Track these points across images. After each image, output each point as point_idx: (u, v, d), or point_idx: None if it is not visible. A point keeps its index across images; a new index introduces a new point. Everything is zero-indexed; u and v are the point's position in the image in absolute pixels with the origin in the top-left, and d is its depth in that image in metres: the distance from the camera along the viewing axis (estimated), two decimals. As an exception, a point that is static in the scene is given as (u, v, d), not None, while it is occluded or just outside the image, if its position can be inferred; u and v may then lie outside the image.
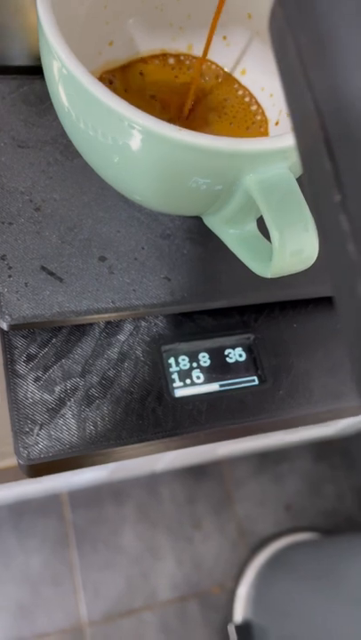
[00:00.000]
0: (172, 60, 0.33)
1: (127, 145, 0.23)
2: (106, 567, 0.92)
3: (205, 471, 1.02)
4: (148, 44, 0.32)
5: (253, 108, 0.32)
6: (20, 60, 0.31)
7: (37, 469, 0.27)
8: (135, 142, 0.22)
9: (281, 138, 0.22)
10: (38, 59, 0.26)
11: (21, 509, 0.93)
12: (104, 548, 0.93)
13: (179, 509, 0.99)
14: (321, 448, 1.09)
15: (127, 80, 0.32)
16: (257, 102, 0.32)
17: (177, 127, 0.21)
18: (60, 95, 0.24)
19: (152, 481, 1.00)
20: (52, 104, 0.26)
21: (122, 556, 0.94)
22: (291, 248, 0.23)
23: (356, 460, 1.10)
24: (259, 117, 0.32)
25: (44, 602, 0.88)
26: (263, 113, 0.32)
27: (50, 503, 0.94)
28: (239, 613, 0.90)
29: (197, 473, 1.02)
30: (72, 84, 0.22)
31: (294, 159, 0.23)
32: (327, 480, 1.07)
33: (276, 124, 0.31)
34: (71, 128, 0.26)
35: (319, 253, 0.24)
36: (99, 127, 0.23)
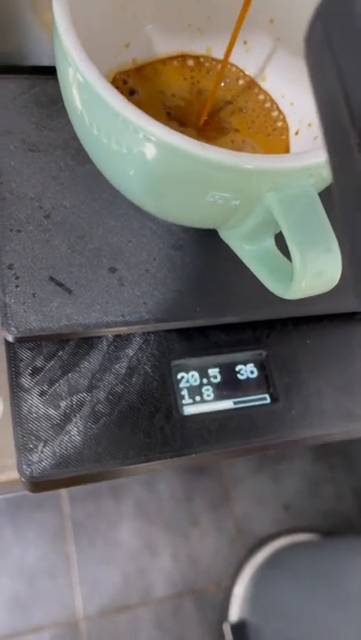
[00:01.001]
0: (191, 62, 0.31)
1: (142, 155, 0.22)
2: (103, 562, 0.92)
3: (204, 468, 1.02)
4: (165, 46, 0.31)
5: (274, 114, 0.31)
6: (33, 59, 0.30)
7: (40, 486, 0.26)
8: (150, 154, 0.21)
9: (306, 155, 0.21)
10: (52, 58, 0.25)
11: (19, 502, 0.93)
12: (101, 543, 0.93)
13: (177, 506, 0.98)
14: (321, 448, 1.09)
15: (143, 81, 0.31)
16: (278, 108, 0.31)
17: (197, 141, 0.20)
18: (74, 99, 0.23)
19: (151, 477, 0.99)
20: (64, 106, 0.25)
21: (119, 552, 0.93)
22: (313, 270, 0.22)
23: (355, 461, 1.09)
24: (280, 124, 0.31)
25: (40, 595, 0.88)
26: (284, 119, 0.31)
27: (48, 496, 0.94)
28: (235, 612, 0.90)
29: (196, 470, 1.01)
30: (86, 90, 0.21)
31: (318, 177, 0.22)
32: (326, 481, 1.07)
33: (296, 133, 0.30)
34: (83, 133, 0.25)
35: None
36: (112, 135, 0.22)
